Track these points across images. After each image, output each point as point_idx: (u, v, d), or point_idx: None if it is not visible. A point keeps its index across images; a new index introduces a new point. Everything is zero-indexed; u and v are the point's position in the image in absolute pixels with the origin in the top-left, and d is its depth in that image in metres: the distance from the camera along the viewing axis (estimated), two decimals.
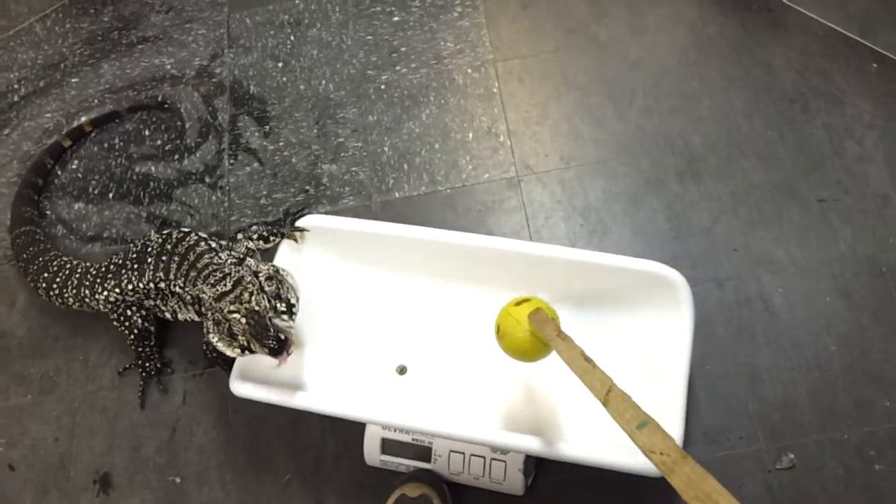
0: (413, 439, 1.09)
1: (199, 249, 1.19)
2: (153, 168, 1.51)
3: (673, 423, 0.97)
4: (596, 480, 1.10)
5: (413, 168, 1.44)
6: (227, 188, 1.47)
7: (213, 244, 1.22)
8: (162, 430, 1.26)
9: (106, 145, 1.56)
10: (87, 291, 1.27)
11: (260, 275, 1.09)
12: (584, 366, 0.81)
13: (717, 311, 1.23)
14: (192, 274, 1.16)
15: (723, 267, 1.26)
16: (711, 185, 1.34)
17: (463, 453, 1.08)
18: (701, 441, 1.13)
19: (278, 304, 1.06)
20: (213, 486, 1.20)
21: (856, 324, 1.19)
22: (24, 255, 1.36)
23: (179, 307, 1.23)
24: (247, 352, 1.04)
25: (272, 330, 1.01)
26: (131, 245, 1.28)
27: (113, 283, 1.25)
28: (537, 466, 1.12)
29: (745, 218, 1.30)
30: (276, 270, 1.10)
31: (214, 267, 1.14)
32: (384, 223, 1.19)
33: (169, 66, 1.64)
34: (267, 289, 1.06)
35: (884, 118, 1.35)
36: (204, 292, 1.11)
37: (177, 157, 1.52)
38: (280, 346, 1.01)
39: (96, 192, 1.50)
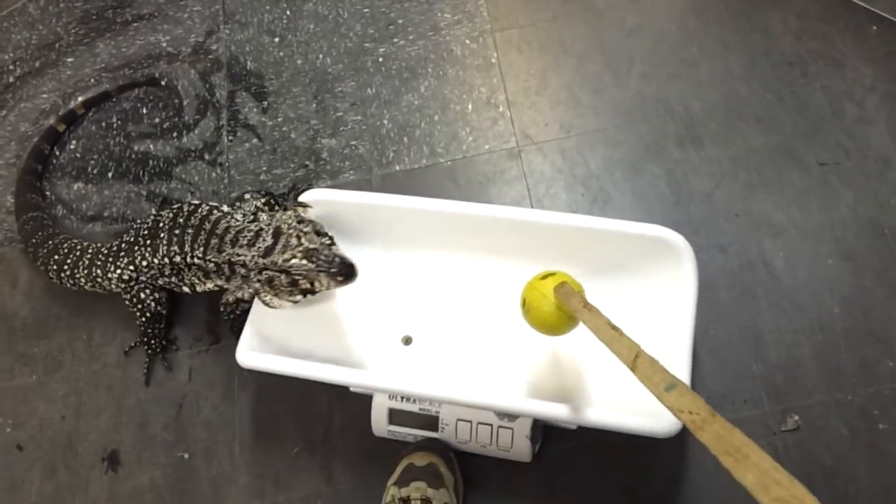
0: (420, 409, 1.09)
1: (213, 217, 1.19)
2: (152, 146, 1.51)
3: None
4: (603, 446, 1.11)
5: (413, 141, 1.44)
6: (227, 164, 1.46)
7: (226, 208, 1.23)
8: (168, 407, 1.26)
9: (104, 125, 1.55)
10: (99, 271, 1.27)
11: (288, 221, 1.10)
12: (611, 334, 0.82)
13: (720, 275, 1.23)
14: (214, 241, 1.15)
15: (724, 232, 1.26)
16: (712, 150, 1.33)
17: (470, 422, 1.08)
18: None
19: (324, 239, 1.08)
20: (222, 460, 1.21)
21: (858, 285, 1.19)
22: (34, 241, 1.35)
23: (198, 279, 1.22)
24: (308, 295, 1.07)
25: (337, 258, 1.04)
26: (141, 222, 1.27)
27: (126, 260, 1.24)
28: (544, 433, 1.12)
29: (746, 182, 1.30)
30: (297, 213, 1.12)
31: (238, 229, 1.14)
32: (385, 195, 1.19)
33: (165, 44, 1.63)
34: (305, 230, 1.08)
35: (885, 80, 1.35)
36: (240, 255, 1.11)
37: (175, 134, 1.51)
38: (351, 269, 1.04)
39: (95, 171, 1.50)
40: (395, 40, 1.55)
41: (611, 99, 1.42)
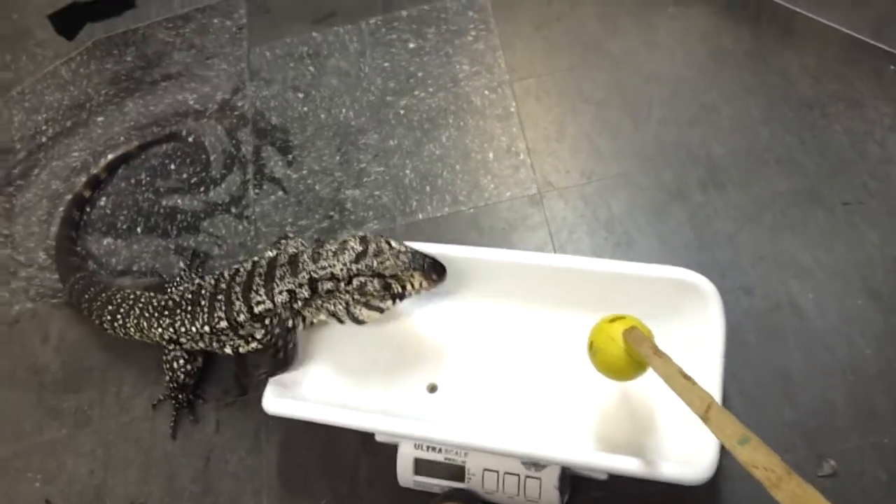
0: (446, 458, 1.08)
1: (263, 261, 1.19)
2: (180, 201, 1.54)
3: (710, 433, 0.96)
4: (634, 496, 1.09)
5: (435, 189, 1.46)
6: (254, 217, 1.49)
7: (269, 252, 1.24)
8: (196, 459, 1.26)
9: (133, 181, 1.59)
10: (145, 323, 1.27)
11: (369, 234, 1.14)
12: (682, 383, 0.81)
13: (747, 319, 1.22)
14: (281, 271, 1.15)
15: (750, 275, 1.25)
16: (734, 194, 1.34)
17: (497, 472, 1.07)
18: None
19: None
20: None
21: (889, 325, 1.18)
22: (86, 297, 1.36)
23: (245, 341, 1.22)
24: (398, 300, 1.11)
25: (429, 257, 1.08)
26: (188, 284, 1.29)
27: (168, 321, 1.25)
28: (574, 484, 1.11)
29: (770, 225, 1.29)
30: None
31: (314, 247, 1.15)
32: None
33: (192, 102, 1.67)
34: (391, 238, 1.12)
35: None
36: (327, 267, 1.11)
37: (203, 189, 1.54)
38: (443, 267, 1.09)
39: (125, 227, 1.53)
40: (416, 93, 1.58)
41: (631, 145, 1.43)
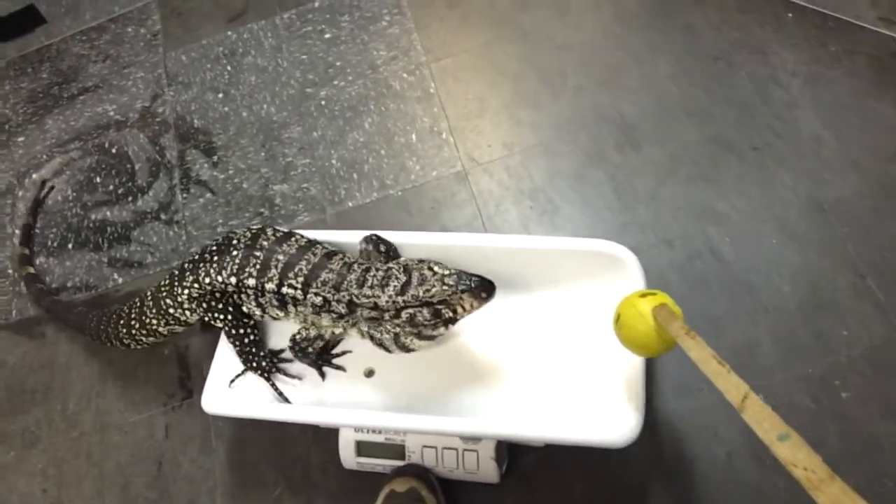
0: (386, 439, 1.10)
1: (318, 250, 1.14)
2: (108, 213, 1.53)
3: (635, 391, 1.00)
4: (572, 453, 1.12)
5: (362, 176, 1.47)
6: (184, 222, 1.49)
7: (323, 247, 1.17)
8: (149, 466, 1.27)
9: (60, 198, 1.57)
10: (168, 301, 1.22)
11: (410, 261, 1.09)
12: (716, 368, 0.79)
13: (670, 269, 1.26)
14: (327, 276, 1.10)
15: (670, 227, 1.29)
16: (650, 151, 1.37)
17: (435, 447, 1.09)
18: (671, 395, 1.15)
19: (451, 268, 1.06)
20: None
21: (804, 261, 1.22)
22: (102, 326, 1.32)
23: (262, 312, 1.18)
24: (450, 325, 1.07)
25: (475, 277, 1.03)
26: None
27: (192, 278, 1.18)
28: (511, 453, 1.14)
29: (686, 176, 1.33)
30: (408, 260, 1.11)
31: (364, 268, 1.10)
32: (337, 231, 1.21)
33: (112, 113, 1.66)
34: (433, 262, 1.07)
35: (805, 63, 1.40)
36: (370, 297, 1.07)
37: (130, 199, 1.54)
38: (491, 285, 1.03)
39: (55, 245, 1.52)
40: (336, 82, 1.59)
41: (548, 113, 1.46)
